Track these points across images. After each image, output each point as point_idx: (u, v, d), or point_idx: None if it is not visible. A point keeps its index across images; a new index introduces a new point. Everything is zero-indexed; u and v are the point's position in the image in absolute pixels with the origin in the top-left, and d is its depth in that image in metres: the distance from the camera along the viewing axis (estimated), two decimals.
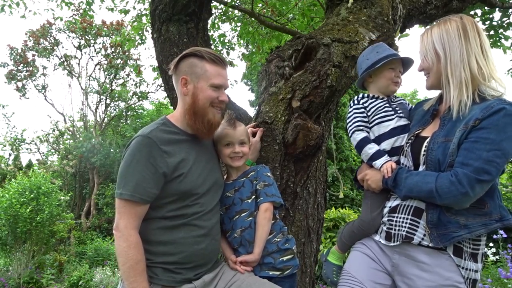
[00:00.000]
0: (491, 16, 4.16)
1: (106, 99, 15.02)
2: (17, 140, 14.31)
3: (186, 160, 1.53)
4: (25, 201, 6.84)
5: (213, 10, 5.34)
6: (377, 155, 1.64)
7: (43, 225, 7.06)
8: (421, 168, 1.51)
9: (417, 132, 1.58)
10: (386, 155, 1.64)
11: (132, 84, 15.13)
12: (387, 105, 1.74)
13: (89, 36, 13.83)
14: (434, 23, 1.59)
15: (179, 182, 1.49)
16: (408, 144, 1.59)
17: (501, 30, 4.14)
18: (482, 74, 1.43)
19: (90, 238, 10.63)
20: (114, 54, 14.25)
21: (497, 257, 4.88)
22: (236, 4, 4.81)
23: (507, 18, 4.08)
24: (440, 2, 2.58)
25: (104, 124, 14.92)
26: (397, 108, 1.74)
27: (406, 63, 1.81)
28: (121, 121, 16.19)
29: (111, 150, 12.93)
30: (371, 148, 1.66)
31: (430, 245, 1.43)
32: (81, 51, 14.24)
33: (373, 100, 1.76)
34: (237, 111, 2.56)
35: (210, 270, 1.60)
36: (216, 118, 1.60)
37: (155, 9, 2.65)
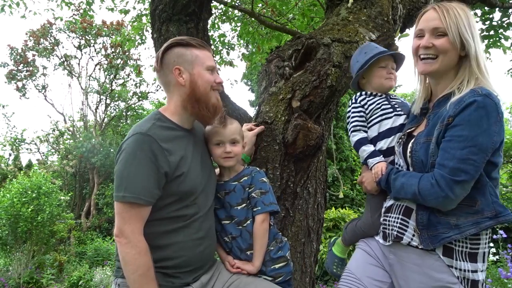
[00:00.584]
0: (491, 16, 4.16)
1: (106, 99, 15.03)
2: (17, 140, 14.32)
3: (185, 157, 1.47)
4: (26, 201, 6.85)
5: (213, 10, 5.34)
6: (371, 155, 1.64)
7: (43, 225, 7.06)
8: (411, 168, 1.48)
9: (409, 130, 1.54)
10: (381, 156, 1.63)
11: (132, 84, 15.16)
12: (386, 102, 1.72)
13: (89, 36, 13.83)
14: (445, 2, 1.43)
15: (180, 182, 1.43)
16: (399, 144, 1.56)
17: (501, 30, 4.14)
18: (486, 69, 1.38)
19: (90, 238, 10.63)
20: (114, 54, 14.25)
21: (497, 257, 4.88)
22: (236, 4, 4.81)
23: (507, 18, 4.08)
24: (440, 2, 2.58)
25: (104, 124, 14.93)
26: (396, 106, 1.72)
27: (398, 58, 1.80)
28: (121, 121, 16.20)
29: (111, 150, 12.92)
30: (365, 150, 1.66)
31: (420, 246, 1.39)
32: (81, 51, 14.25)
33: (372, 97, 1.75)
34: (237, 111, 2.56)
35: (206, 271, 1.56)
36: (219, 101, 1.56)
37: (155, 9, 2.65)
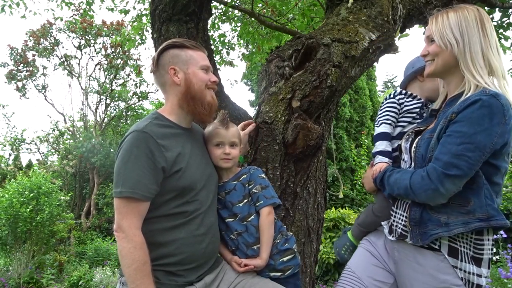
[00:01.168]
0: (491, 16, 4.16)
1: (106, 99, 15.02)
2: (17, 140, 14.30)
3: (183, 154, 1.49)
4: (25, 201, 6.84)
5: (213, 10, 5.34)
6: (382, 153, 1.66)
7: (43, 225, 7.05)
8: (413, 163, 1.49)
9: (419, 128, 1.57)
10: (389, 159, 1.64)
11: (132, 84, 15.13)
12: (418, 109, 1.74)
13: (89, 36, 13.81)
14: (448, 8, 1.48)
15: (178, 178, 1.45)
16: (406, 140, 1.58)
17: (501, 30, 4.14)
18: (497, 70, 1.37)
19: (90, 238, 10.61)
20: (114, 54, 14.24)
21: (497, 257, 4.87)
22: (236, 4, 4.81)
23: (507, 18, 4.07)
24: (440, 2, 2.58)
25: (104, 124, 14.92)
26: (425, 114, 1.73)
27: None
28: (121, 121, 16.19)
29: (111, 150, 12.91)
30: (381, 145, 1.68)
31: (409, 242, 1.40)
32: (81, 51, 14.23)
33: (410, 99, 1.76)
34: (237, 111, 2.56)
35: (211, 271, 1.56)
36: (214, 99, 1.61)
37: (155, 9, 2.64)
